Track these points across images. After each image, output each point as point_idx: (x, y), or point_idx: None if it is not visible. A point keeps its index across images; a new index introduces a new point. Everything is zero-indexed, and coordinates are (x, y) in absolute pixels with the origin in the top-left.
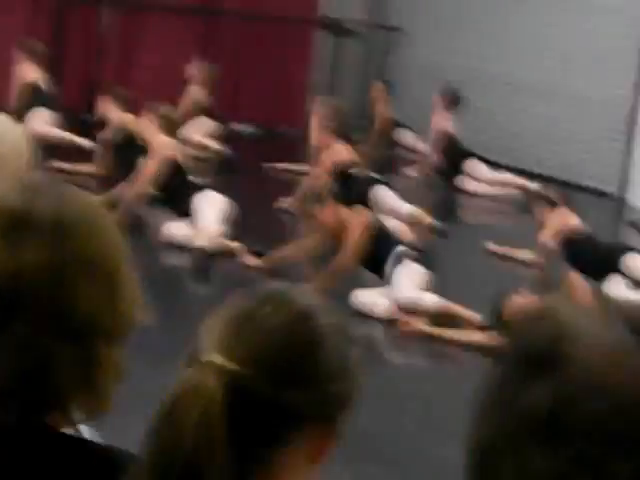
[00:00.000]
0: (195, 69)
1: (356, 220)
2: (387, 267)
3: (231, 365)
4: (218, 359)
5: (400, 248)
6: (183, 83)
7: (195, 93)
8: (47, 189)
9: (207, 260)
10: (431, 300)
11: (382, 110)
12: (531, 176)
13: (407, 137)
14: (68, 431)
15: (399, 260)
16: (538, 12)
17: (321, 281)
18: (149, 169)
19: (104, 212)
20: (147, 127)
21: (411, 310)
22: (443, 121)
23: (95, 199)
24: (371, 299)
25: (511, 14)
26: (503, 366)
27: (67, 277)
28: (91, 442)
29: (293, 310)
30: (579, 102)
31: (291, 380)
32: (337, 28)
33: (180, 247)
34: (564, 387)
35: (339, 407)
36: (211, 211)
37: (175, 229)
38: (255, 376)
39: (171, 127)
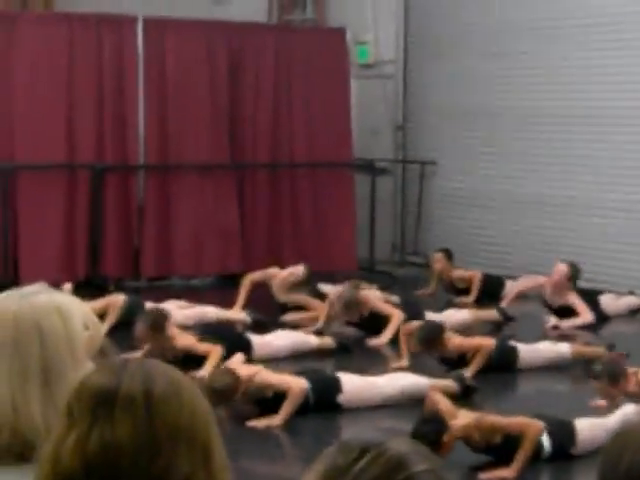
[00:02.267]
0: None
1: None
2: None
3: None
4: None
5: None
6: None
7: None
8: (133, 366)
9: None
10: None
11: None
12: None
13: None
14: None
15: None
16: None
17: None
18: None
19: (190, 383)
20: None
21: None
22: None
23: (179, 372)
24: None
25: (539, 134)
26: None
27: (163, 449)
28: None
29: (388, 461)
30: (623, 215)
31: None
32: (372, 168)
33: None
34: None
35: None
36: None
37: None
38: None
39: None
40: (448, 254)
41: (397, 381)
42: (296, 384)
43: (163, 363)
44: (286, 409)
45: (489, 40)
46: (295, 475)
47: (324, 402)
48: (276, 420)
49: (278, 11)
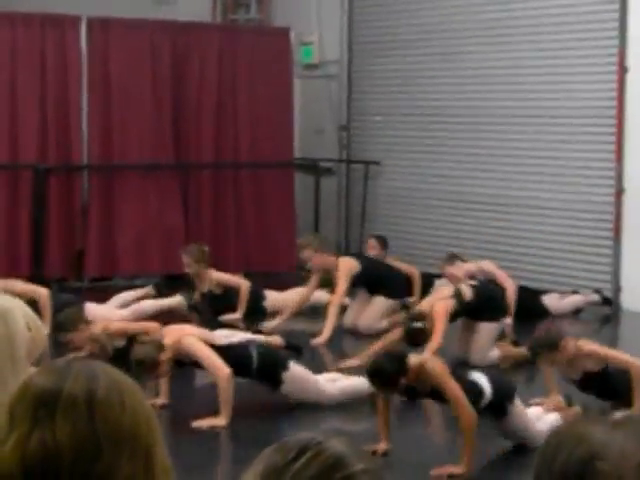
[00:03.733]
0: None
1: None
2: None
3: None
4: None
5: None
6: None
7: None
8: (77, 367)
9: None
10: None
11: None
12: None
13: None
14: None
15: None
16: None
17: None
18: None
19: (133, 385)
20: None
21: None
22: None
23: (124, 375)
24: None
25: (483, 134)
26: None
27: (104, 451)
28: None
29: (326, 460)
30: (565, 215)
31: None
32: (316, 168)
33: None
34: None
35: None
36: None
37: None
38: None
39: None
40: (382, 240)
41: (337, 382)
42: (223, 372)
43: (106, 365)
44: (225, 406)
45: (433, 41)
46: (235, 476)
47: (266, 371)
48: (221, 420)
49: (222, 11)
